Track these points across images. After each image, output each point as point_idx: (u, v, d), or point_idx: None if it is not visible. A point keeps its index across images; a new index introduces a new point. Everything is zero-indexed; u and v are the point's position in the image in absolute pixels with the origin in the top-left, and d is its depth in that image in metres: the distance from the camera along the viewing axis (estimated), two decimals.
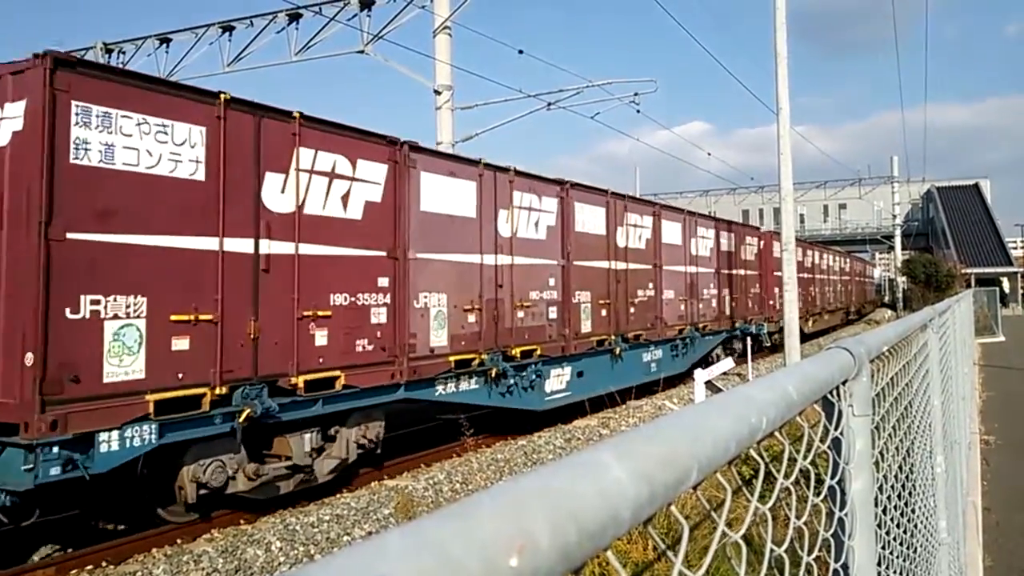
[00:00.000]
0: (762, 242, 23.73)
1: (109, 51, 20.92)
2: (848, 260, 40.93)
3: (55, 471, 5.89)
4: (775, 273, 22.58)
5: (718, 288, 19.09)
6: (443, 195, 10.00)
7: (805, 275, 26.96)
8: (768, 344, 21.63)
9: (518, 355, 11.21)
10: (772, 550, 1.04)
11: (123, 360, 6.33)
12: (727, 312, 19.69)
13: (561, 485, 0.49)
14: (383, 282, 8.93)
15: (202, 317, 6.94)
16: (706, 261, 18.45)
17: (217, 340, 7.07)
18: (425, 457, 10.53)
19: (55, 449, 5.88)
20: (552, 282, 12.21)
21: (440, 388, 9.97)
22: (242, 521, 7.89)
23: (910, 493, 2.46)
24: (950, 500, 3.78)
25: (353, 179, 8.60)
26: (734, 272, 20.46)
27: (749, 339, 18.74)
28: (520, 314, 11.34)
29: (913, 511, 2.49)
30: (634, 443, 0.60)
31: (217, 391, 7.02)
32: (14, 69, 6.28)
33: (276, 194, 7.74)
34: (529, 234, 11.71)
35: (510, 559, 0.42)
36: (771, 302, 23.14)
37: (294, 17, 17.99)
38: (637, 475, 0.56)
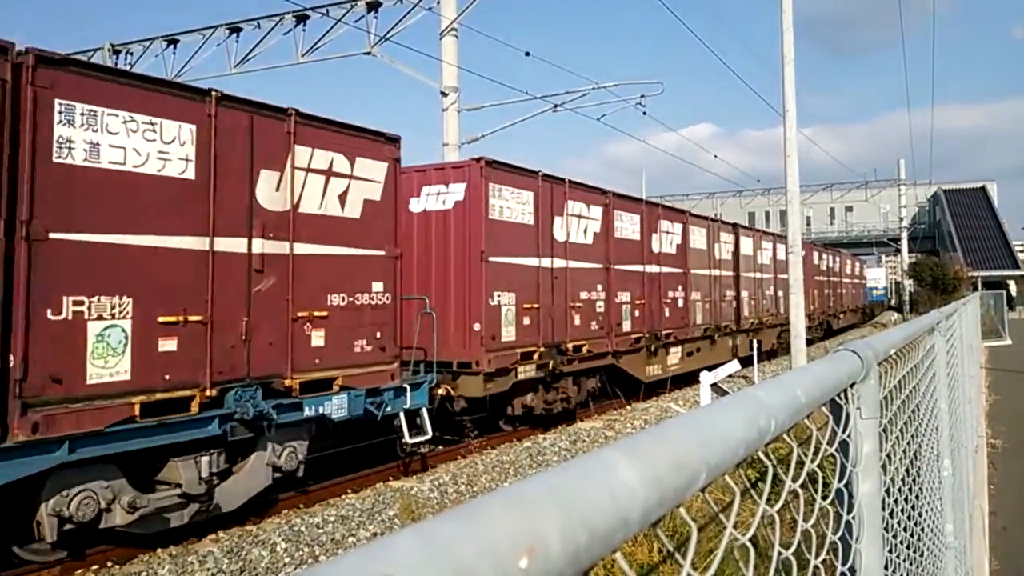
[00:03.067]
0: (471, 189, 10.86)
1: (117, 52, 21.00)
2: (807, 251, 26.68)
3: None
4: (490, 258, 10.75)
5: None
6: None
7: (703, 272, 18.19)
8: (421, 444, 9.72)
9: None
10: (780, 553, 1.03)
11: None
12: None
13: (571, 487, 0.49)
14: None
15: None
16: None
17: None
18: (430, 459, 10.53)
19: None
20: None
21: None
22: (247, 522, 7.89)
23: (917, 496, 2.44)
24: (957, 504, 3.76)
25: None
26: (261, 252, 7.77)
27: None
28: None
29: (920, 514, 2.48)
30: (644, 445, 0.60)
31: None
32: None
33: None
34: None
35: (520, 561, 0.41)
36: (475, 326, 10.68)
37: (301, 19, 18.03)
38: (647, 477, 0.56)
